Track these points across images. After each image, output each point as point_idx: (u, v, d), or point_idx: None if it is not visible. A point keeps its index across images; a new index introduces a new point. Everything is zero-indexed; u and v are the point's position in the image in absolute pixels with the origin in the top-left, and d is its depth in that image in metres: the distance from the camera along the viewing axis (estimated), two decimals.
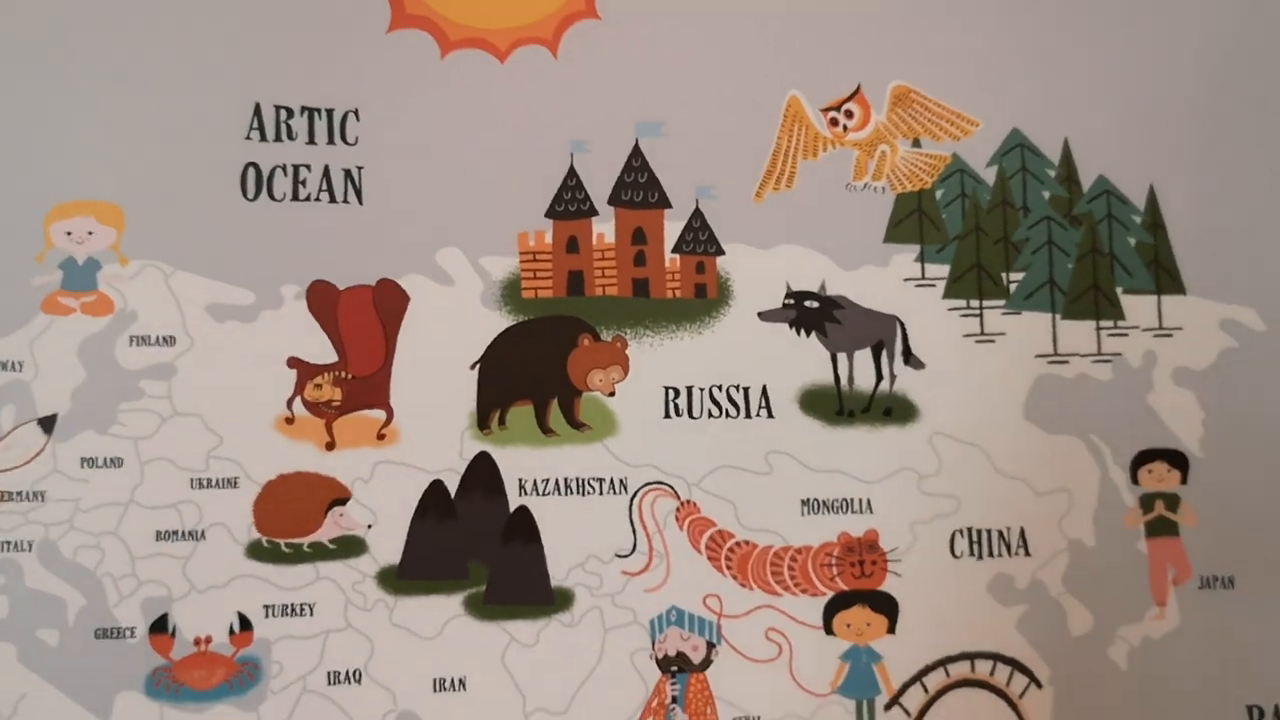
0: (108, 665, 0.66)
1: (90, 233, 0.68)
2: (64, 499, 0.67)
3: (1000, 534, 0.75)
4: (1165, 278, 0.79)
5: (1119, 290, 0.78)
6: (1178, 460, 0.78)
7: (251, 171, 0.71)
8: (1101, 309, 0.78)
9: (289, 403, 0.69)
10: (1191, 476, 0.77)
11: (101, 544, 0.67)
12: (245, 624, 0.67)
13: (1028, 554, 0.76)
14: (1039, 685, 0.75)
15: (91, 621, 0.66)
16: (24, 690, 0.65)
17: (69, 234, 0.68)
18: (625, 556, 0.72)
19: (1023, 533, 0.76)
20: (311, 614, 0.68)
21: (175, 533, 0.68)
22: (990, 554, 0.75)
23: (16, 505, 0.67)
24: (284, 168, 0.71)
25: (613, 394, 0.73)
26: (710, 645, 0.72)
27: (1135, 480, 0.77)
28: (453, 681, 0.69)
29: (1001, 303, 0.77)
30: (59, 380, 0.68)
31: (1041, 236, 0.78)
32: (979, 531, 0.75)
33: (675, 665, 0.72)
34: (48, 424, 0.67)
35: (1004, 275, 0.78)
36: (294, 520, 0.69)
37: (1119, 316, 0.78)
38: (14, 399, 0.67)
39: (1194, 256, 0.79)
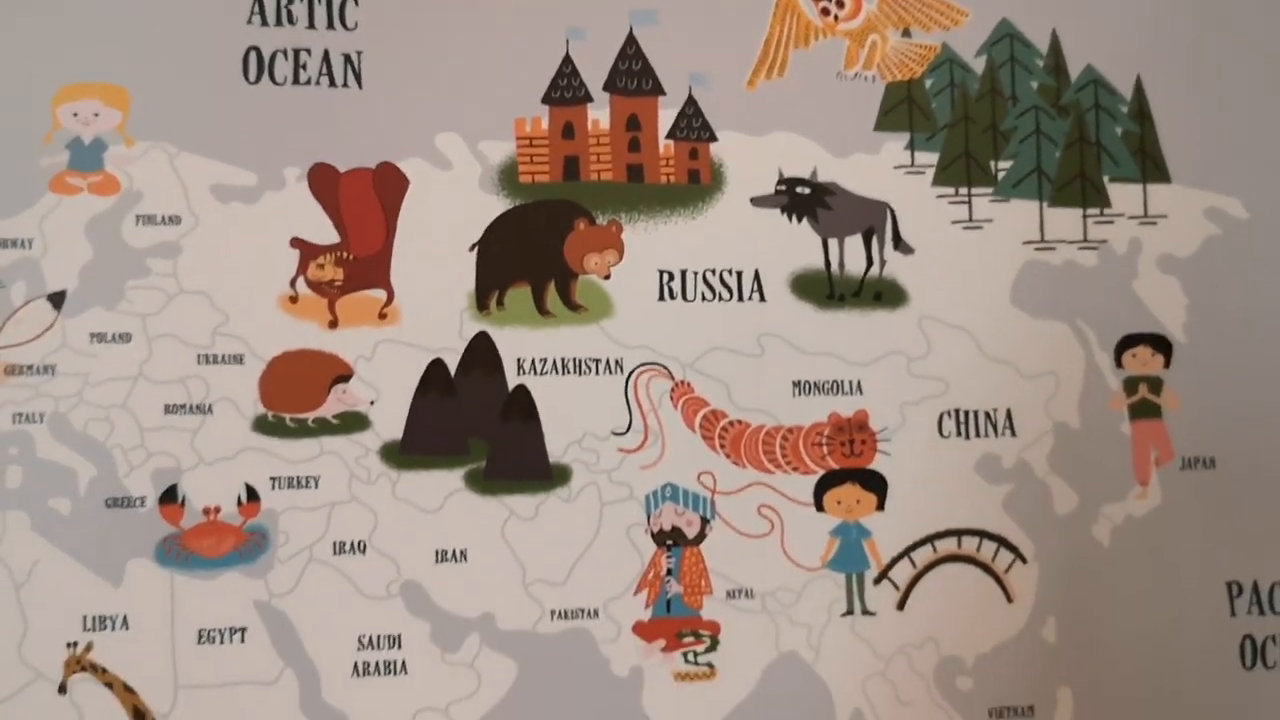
0: (119, 533, 0.69)
1: (96, 114, 0.70)
2: (74, 373, 0.70)
3: (987, 415, 0.78)
4: (1151, 167, 0.81)
5: (1105, 179, 0.81)
6: (1161, 345, 0.80)
7: (253, 55, 0.73)
8: (1088, 197, 0.80)
9: (292, 282, 0.72)
10: (1175, 361, 0.80)
11: (111, 417, 0.70)
12: (253, 495, 0.70)
13: (1014, 435, 0.78)
14: (1024, 560, 0.78)
15: (102, 491, 0.69)
16: (37, 557, 0.68)
17: (75, 115, 0.70)
18: (621, 434, 0.75)
19: (1009, 414, 0.78)
20: (317, 486, 0.71)
21: (183, 406, 0.70)
22: (977, 434, 0.78)
23: (28, 379, 0.69)
24: (285, 52, 0.73)
25: (608, 277, 0.75)
26: (704, 520, 0.75)
27: (1119, 364, 0.80)
28: (454, 553, 0.72)
29: (989, 190, 0.80)
30: (67, 258, 0.70)
31: (1029, 125, 0.80)
32: (966, 413, 0.78)
33: (670, 539, 0.74)
34: (57, 300, 0.69)
35: (992, 163, 0.80)
36: (298, 395, 0.71)
37: (1105, 204, 0.80)
38: (24, 276, 0.70)
39: (1179, 146, 0.81)
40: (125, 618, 0.68)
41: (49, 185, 0.70)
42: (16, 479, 0.68)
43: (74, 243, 0.70)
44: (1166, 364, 0.80)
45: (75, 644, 0.68)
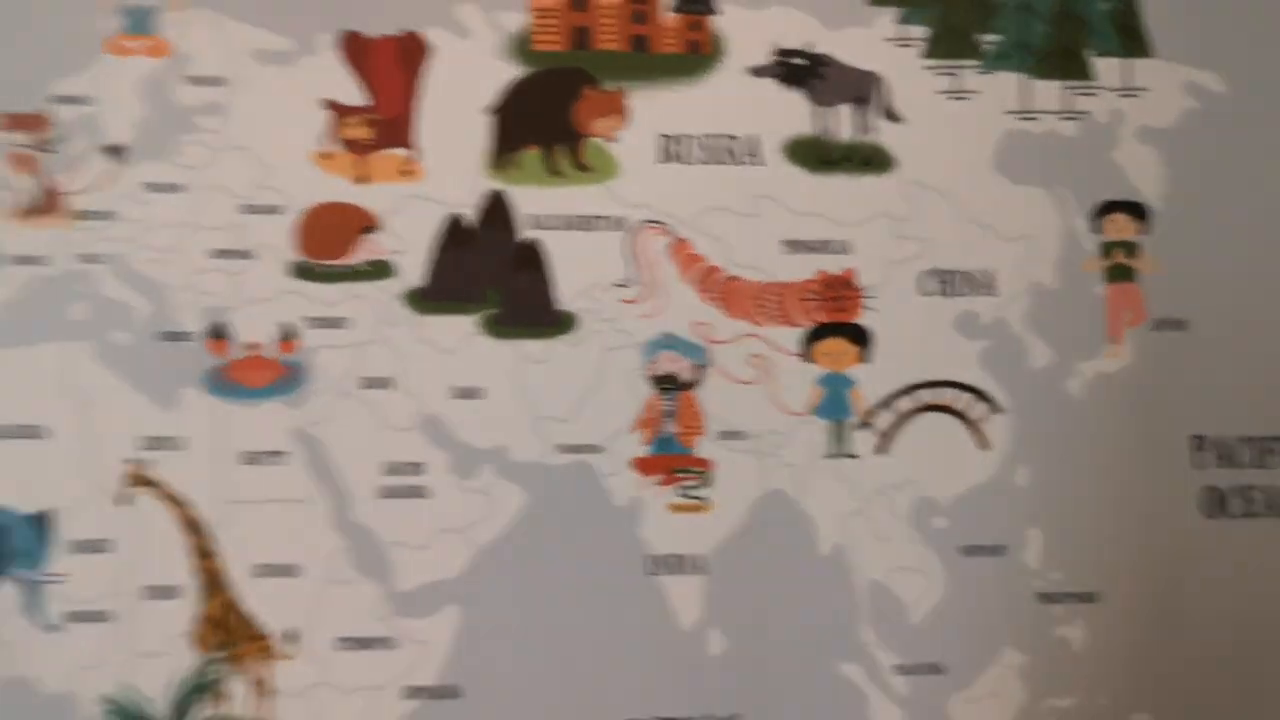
0: (171, 364, 0.77)
1: None
2: (132, 220, 0.78)
3: (967, 275, 0.84)
4: (1133, 41, 0.85)
5: (1088, 52, 0.85)
6: (1138, 212, 0.85)
7: None
8: (1071, 69, 0.85)
9: (325, 140, 0.79)
10: (1151, 227, 0.85)
11: (165, 259, 0.78)
12: (290, 333, 0.78)
13: (993, 293, 0.84)
14: (1000, 411, 0.84)
15: (157, 326, 0.77)
16: (99, 384, 0.77)
17: None
18: (623, 286, 0.82)
19: (988, 274, 0.84)
20: (347, 327, 0.79)
21: (228, 251, 0.78)
22: (958, 292, 0.84)
23: (91, 224, 0.77)
24: None
25: (614, 139, 0.82)
26: (699, 367, 0.82)
27: (1097, 229, 0.85)
28: (471, 390, 0.80)
29: (976, 63, 0.85)
30: (123, 115, 0.78)
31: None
32: (947, 272, 0.84)
33: (667, 384, 0.81)
34: (115, 153, 0.77)
35: (979, 37, 0.85)
36: (330, 244, 0.79)
37: (1088, 77, 0.85)
38: (85, 131, 0.78)
39: (1162, 21, 0.86)
40: (178, 439, 0.77)
41: (105, 48, 0.78)
42: (82, 313, 0.77)
43: (129, 101, 0.78)
44: (1142, 230, 0.85)
45: (133, 461, 0.77)
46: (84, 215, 0.77)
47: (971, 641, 0.83)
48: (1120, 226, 0.85)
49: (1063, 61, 0.85)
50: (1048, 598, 0.83)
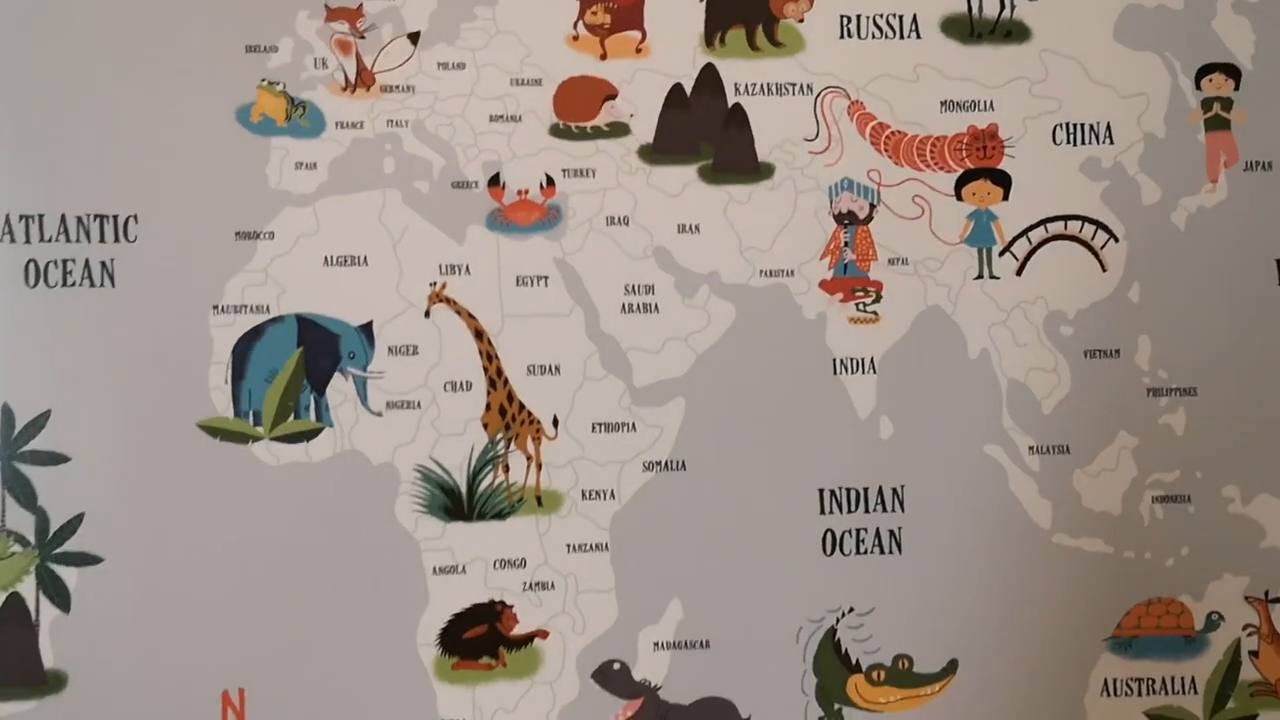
0: (461, 207, 0.96)
1: None
2: (427, 91, 0.95)
3: (1091, 127, 1.01)
4: None
5: None
6: (1233, 72, 1.02)
7: None
8: None
9: (574, 24, 0.98)
10: (1243, 85, 1.02)
11: (454, 124, 0.96)
12: (550, 182, 0.98)
13: (1112, 142, 1.01)
14: (1116, 240, 1.01)
15: (449, 176, 0.96)
16: (406, 223, 0.95)
17: None
18: (811, 140, 1.00)
19: (1108, 126, 1.01)
20: (594, 176, 0.98)
21: (501, 117, 0.97)
22: (1083, 142, 1.01)
23: (395, 95, 0.94)
24: None
25: (802, 20, 1.00)
26: (872, 206, 1.00)
27: (1198, 87, 1.02)
28: (690, 226, 0.99)
29: None
30: (420, 7, 0.95)
31: None
32: (1074, 125, 1.01)
33: (846, 220, 1.00)
34: (414, 38, 0.97)
35: None
36: (580, 109, 0.98)
37: None
38: (390, 20, 0.96)
39: None
40: (467, 266, 0.94)
41: None
42: (391, 166, 0.94)
43: None
44: (1236, 87, 1.02)
45: (435, 283, 0.96)
46: (390, 89, 0.95)
47: (1092, 428, 0.98)
48: (1218, 85, 1.02)
49: None
50: (1155, 392, 0.98)
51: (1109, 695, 1.01)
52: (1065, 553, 1.00)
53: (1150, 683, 1.01)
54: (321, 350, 0.92)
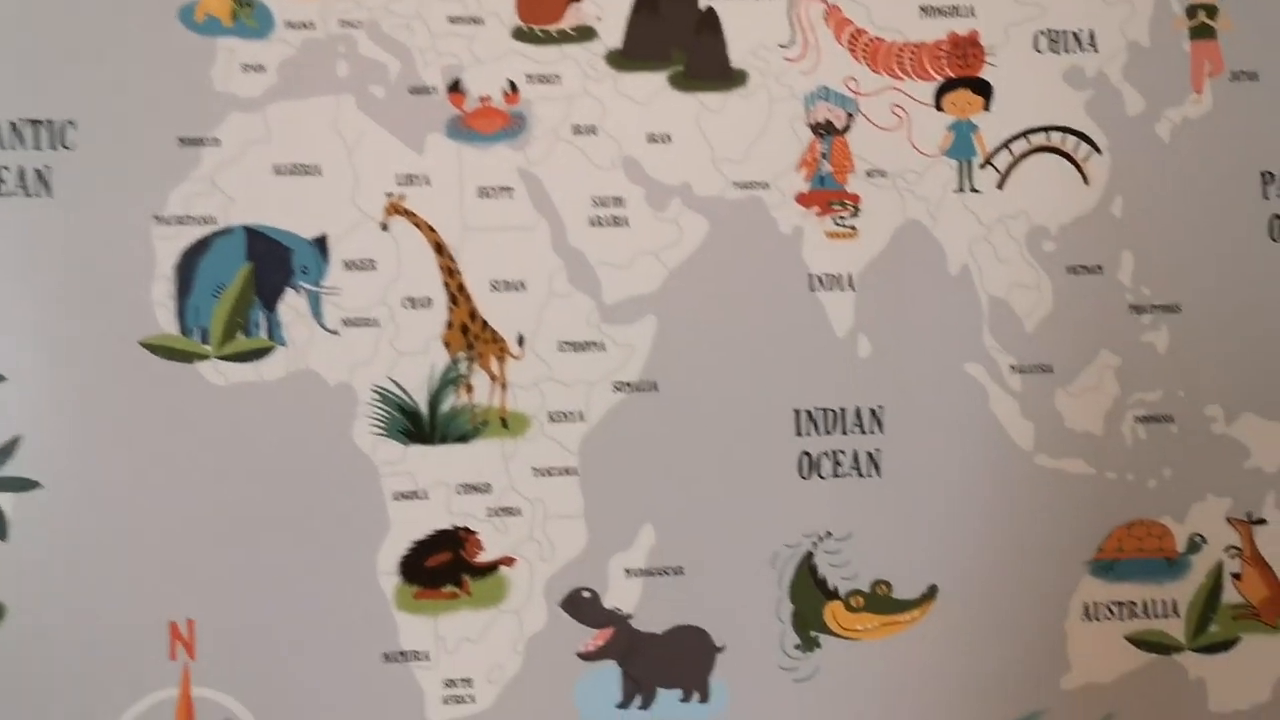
0: (419, 114, 0.92)
1: None
2: None
3: (1074, 34, 0.99)
4: None
5: None
6: None
7: None
8: None
9: None
10: None
11: (410, 25, 0.92)
12: (514, 88, 0.93)
13: (1096, 51, 0.99)
14: (1099, 152, 0.99)
15: (406, 82, 0.92)
16: (363, 129, 0.91)
17: None
18: (785, 47, 0.96)
19: (1092, 34, 0.99)
20: (559, 83, 0.94)
21: (461, 18, 0.93)
22: (1066, 50, 0.98)
23: None
24: None
25: None
26: (849, 115, 0.97)
27: None
28: (661, 136, 0.95)
29: None
30: None
31: None
32: (1057, 32, 0.98)
33: (823, 129, 0.97)
34: None
35: None
36: (544, 10, 0.94)
37: None
38: None
39: None
40: (426, 176, 0.91)
41: None
42: (344, 70, 0.91)
43: None
44: None
45: (392, 194, 0.92)
46: None
47: (1074, 346, 0.97)
48: None
49: None
50: (1137, 309, 0.98)
51: (1090, 619, 0.99)
52: (1047, 475, 0.98)
53: (1131, 606, 1.00)
54: (272, 264, 0.88)
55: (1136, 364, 0.99)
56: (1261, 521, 1.01)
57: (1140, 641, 1.00)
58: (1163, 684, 1.00)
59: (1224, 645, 1.01)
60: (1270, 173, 1.00)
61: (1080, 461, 0.99)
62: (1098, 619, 1.00)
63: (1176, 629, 1.01)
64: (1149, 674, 1.00)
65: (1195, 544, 1.00)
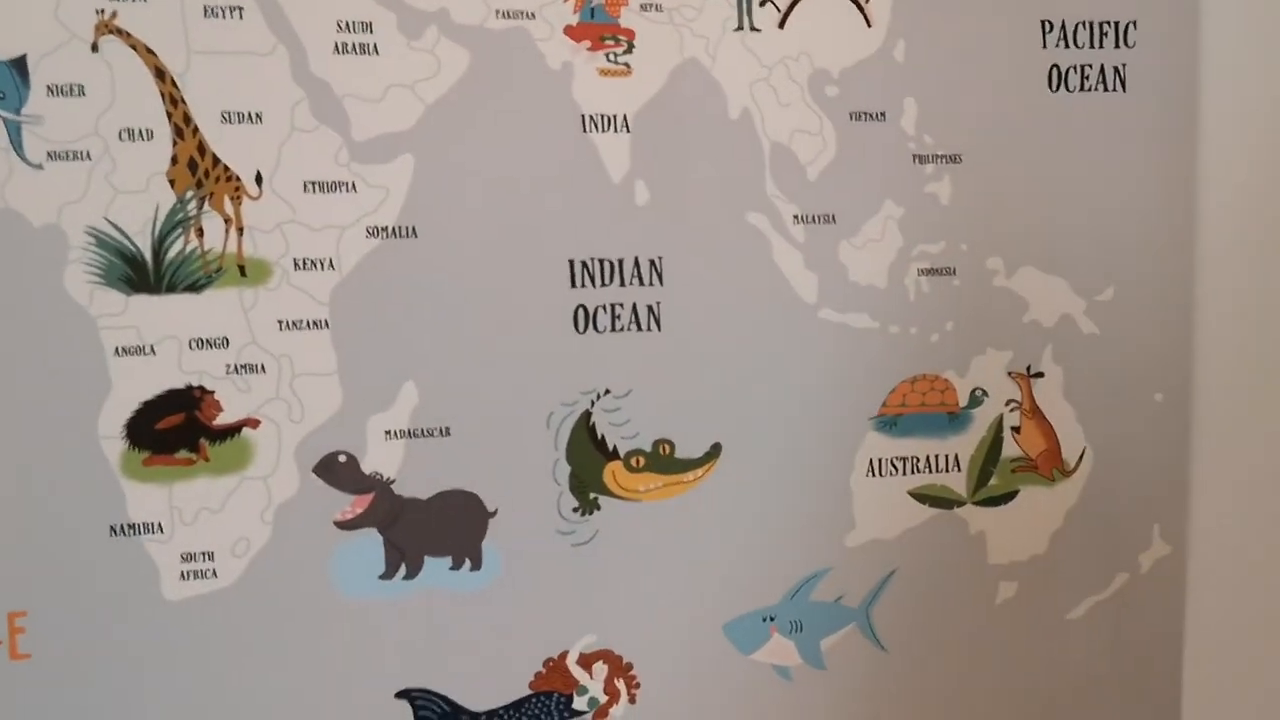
0: None
1: None
2: None
3: None
4: None
5: None
6: None
7: None
8: None
9: None
10: None
11: None
12: None
13: None
14: None
15: None
16: None
17: None
18: None
19: None
20: None
21: None
22: None
23: None
24: None
25: None
26: None
27: None
28: None
29: None
30: None
31: None
32: None
33: None
34: None
35: None
36: None
37: None
38: None
39: None
40: None
41: None
42: None
43: None
44: None
45: (102, 10, 0.81)
46: None
47: (858, 196, 0.95)
48: None
49: None
50: (921, 159, 0.96)
51: (874, 475, 0.98)
52: (831, 328, 0.96)
53: (915, 461, 0.99)
54: None
55: (920, 215, 0.97)
56: (1040, 375, 1.00)
57: (923, 496, 0.99)
58: (944, 538, 1.00)
59: (1004, 498, 1.01)
60: (1049, 21, 0.98)
61: (864, 315, 0.97)
62: (882, 475, 0.98)
63: (959, 483, 1.00)
64: (931, 528, 1.00)
65: (977, 398, 1.00)
